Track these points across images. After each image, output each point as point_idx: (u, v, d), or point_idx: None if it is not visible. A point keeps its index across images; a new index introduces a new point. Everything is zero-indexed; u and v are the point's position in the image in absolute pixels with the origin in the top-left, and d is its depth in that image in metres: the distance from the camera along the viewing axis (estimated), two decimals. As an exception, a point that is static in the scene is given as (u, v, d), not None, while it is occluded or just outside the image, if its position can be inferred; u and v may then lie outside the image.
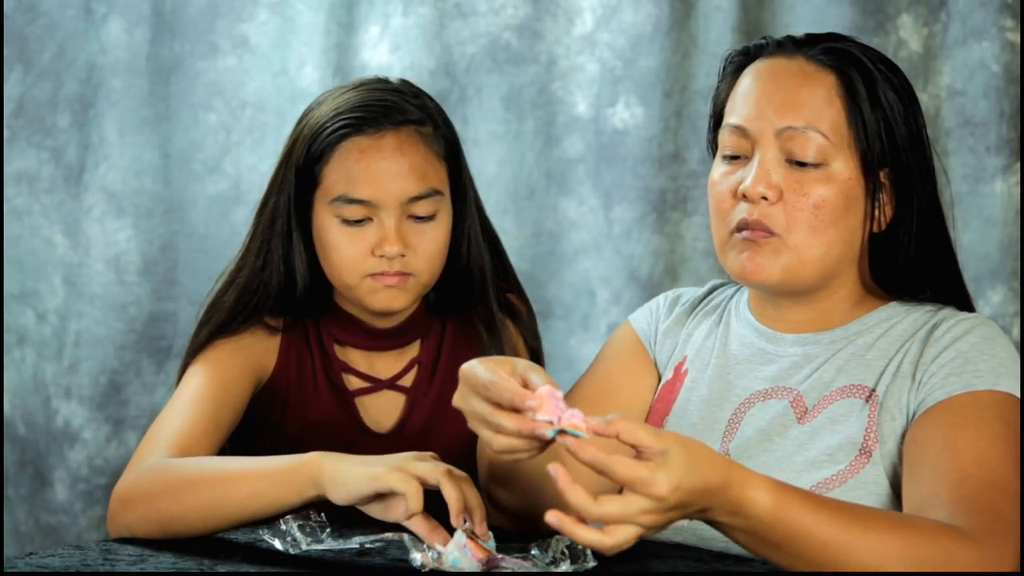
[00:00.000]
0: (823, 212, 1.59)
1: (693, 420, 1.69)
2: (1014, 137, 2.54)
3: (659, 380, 1.77)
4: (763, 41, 1.68)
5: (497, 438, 1.37)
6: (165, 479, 1.61)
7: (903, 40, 2.57)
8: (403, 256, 1.79)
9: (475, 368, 1.40)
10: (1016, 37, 2.54)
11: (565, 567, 1.43)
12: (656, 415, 1.74)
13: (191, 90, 2.74)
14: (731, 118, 1.65)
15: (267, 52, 2.74)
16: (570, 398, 1.78)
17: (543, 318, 2.68)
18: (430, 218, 1.81)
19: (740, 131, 1.63)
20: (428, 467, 1.48)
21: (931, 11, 2.59)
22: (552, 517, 1.26)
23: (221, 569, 1.46)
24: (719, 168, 1.66)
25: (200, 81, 2.74)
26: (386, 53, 2.72)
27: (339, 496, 1.50)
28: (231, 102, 2.74)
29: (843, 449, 1.57)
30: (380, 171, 1.79)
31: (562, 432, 1.31)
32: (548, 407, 1.34)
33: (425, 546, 1.45)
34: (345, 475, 1.50)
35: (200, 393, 1.76)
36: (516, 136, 2.71)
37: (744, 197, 1.61)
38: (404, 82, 1.88)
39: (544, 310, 2.69)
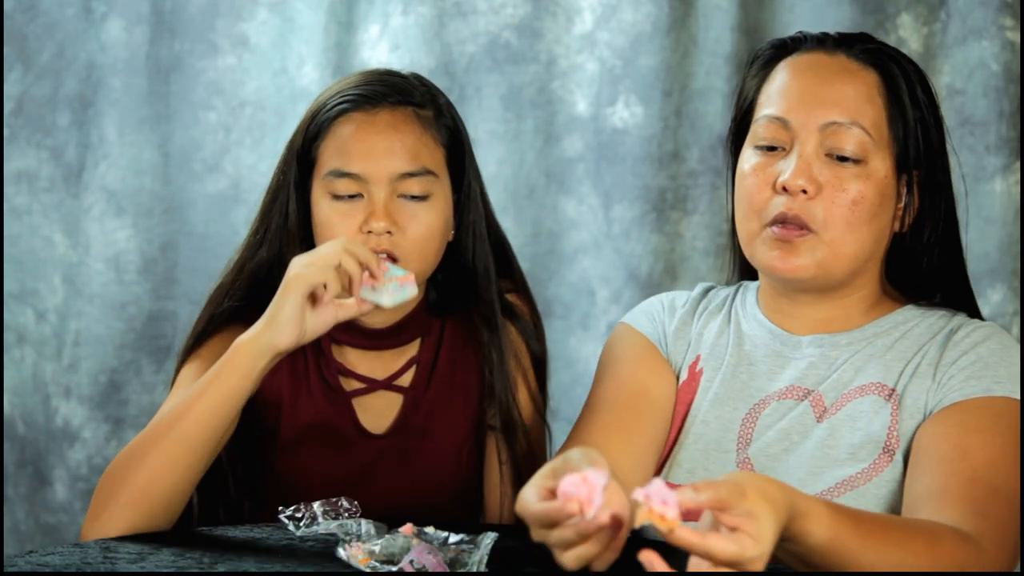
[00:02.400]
0: (861, 209, 1.60)
1: (707, 419, 1.68)
2: (1014, 136, 2.54)
3: (677, 381, 1.75)
4: (800, 36, 1.68)
5: (566, 555, 1.30)
6: (121, 464, 1.64)
7: (903, 39, 2.57)
8: (390, 234, 1.76)
9: (524, 502, 1.33)
10: (1016, 36, 2.54)
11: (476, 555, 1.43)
12: (675, 418, 1.72)
13: (191, 89, 2.74)
14: (768, 109, 1.64)
15: (267, 51, 2.74)
16: (598, 409, 1.73)
17: (543, 317, 2.67)
18: (423, 199, 1.79)
19: (781, 122, 1.62)
20: (327, 250, 1.61)
21: (931, 10, 2.59)
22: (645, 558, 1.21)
23: (221, 568, 1.46)
24: (752, 159, 1.64)
25: (200, 80, 2.74)
26: (386, 52, 2.72)
27: (287, 340, 1.62)
28: (231, 101, 2.74)
29: (866, 447, 1.58)
30: (372, 146, 1.78)
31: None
32: (587, 498, 1.25)
33: (352, 540, 1.46)
34: (265, 331, 1.61)
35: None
36: (516, 135, 2.71)
37: (784, 190, 1.60)
38: (415, 74, 1.89)
39: (544, 310, 2.67)
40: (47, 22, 2.75)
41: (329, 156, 1.79)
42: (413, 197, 1.78)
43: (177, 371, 1.82)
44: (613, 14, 2.67)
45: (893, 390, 1.60)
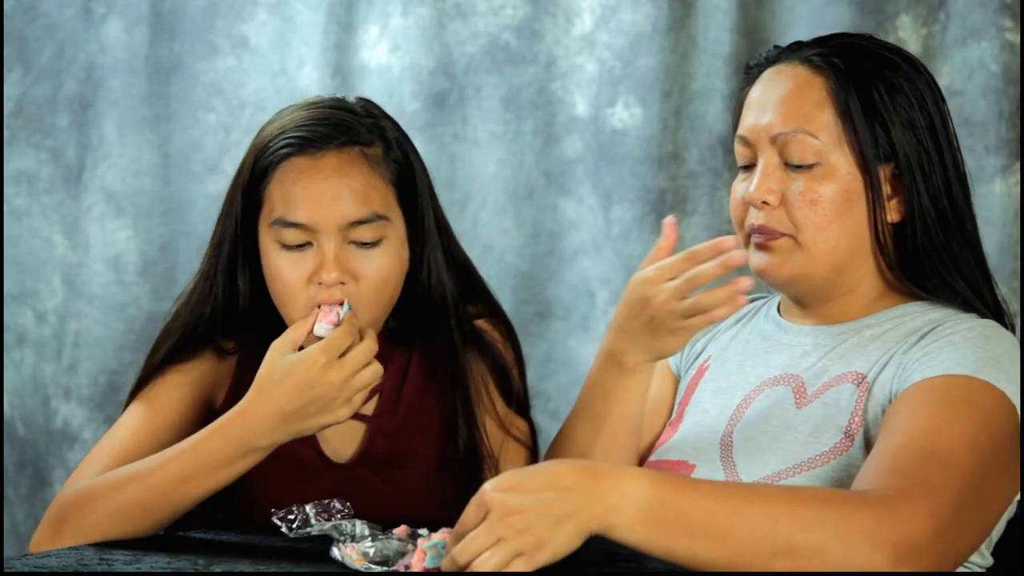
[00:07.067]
0: (822, 208, 1.63)
1: (708, 407, 1.72)
2: (1013, 137, 2.54)
3: (677, 382, 1.81)
4: (772, 49, 1.74)
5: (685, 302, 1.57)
6: (91, 495, 1.61)
7: (902, 40, 2.57)
8: (343, 284, 1.67)
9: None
10: (1015, 37, 2.54)
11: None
12: (679, 408, 1.77)
13: (190, 90, 2.75)
14: (739, 129, 1.70)
15: (266, 52, 2.74)
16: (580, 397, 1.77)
17: (542, 318, 2.68)
18: (374, 244, 1.69)
19: (743, 141, 1.69)
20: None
21: (930, 11, 2.59)
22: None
23: (216, 568, 1.46)
24: (737, 177, 1.71)
25: (199, 81, 2.74)
26: (385, 53, 2.72)
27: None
28: (230, 102, 2.74)
29: (829, 431, 1.58)
30: (318, 193, 1.68)
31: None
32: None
33: (347, 540, 1.46)
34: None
35: (137, 425, 1.75)
36: (515, 136, 2.71)
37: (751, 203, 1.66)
38: (364, 101, 1.79)
39: (543, 310, 2.69)
40: (47, 23, 2.76)
41: (275, 202, 1.70)
42: (364, 244, 1.69)
43: (126, 405, 1.80)
44: (612, 15, 2.67)
45: (865, 377, 1.60)
